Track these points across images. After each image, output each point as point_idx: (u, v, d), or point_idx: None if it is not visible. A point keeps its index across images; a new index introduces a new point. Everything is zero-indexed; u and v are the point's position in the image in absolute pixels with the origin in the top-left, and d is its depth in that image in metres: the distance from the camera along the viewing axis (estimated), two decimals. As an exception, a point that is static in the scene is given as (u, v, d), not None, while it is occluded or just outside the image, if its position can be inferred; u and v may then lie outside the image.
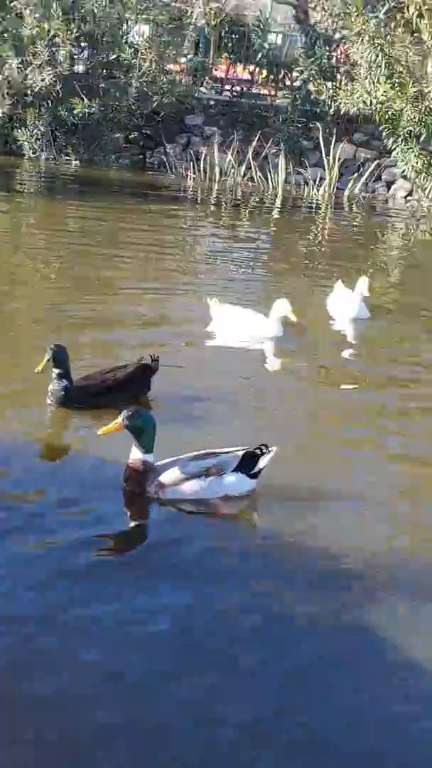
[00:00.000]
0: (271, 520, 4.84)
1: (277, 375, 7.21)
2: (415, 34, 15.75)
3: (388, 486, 5.33)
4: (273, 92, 19.95)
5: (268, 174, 16.97)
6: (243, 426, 5.81)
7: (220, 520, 4.77)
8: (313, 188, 16.99)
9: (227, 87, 20.41)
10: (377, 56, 15.23)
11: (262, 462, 4.86)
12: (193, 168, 17.18)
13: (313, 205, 16.34)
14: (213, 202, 15.64)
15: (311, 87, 17.71)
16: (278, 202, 16.10)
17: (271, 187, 16.90)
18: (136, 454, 4.75)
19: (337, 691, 3.54)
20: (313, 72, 18.06)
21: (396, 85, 15.11)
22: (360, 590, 4.21)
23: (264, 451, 4.88)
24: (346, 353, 7.95)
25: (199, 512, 4.75)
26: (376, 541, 4.64)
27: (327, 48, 18.58)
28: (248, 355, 7.43)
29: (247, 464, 4.84)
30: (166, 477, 4.75)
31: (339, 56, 18.82)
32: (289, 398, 6.60)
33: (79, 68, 17.51)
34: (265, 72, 19.96)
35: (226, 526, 4.77)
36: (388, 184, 17.99)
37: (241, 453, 4.83)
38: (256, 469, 4.86)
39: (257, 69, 20.22)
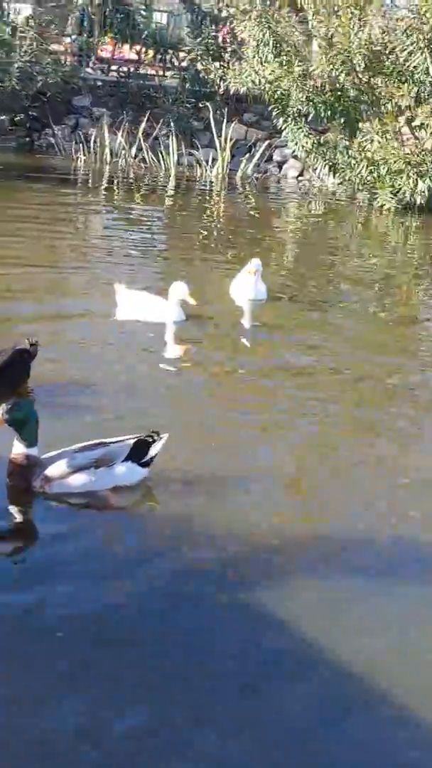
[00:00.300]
0: (164, 509, 4.65)
1: (172, 360, 7.00)
2: (300, 14, 15.78)
3: (285, 469, 5.23)
4: (161, 72, 19.64)
5: (160, 155, 16.71)
6: (134, 413, 5.58)
7: (110, 513, 4.56)
8: (206, 169, 16.84)
9: (114, 67, 19.99)
10: (264, 34, 15.16)
11: (154, 450, 4.67)
12: (83, 150, 16.75)
13: (207, 186, 16.20)
14: (105, 184, 15.28)
15: (199, 66, 17.52)
16: (171, 184, 15.88)
17: (163, 168, 16.66)
18: (18, 448, 4.46)
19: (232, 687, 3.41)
20: (200, 51, 17.88)
21: (284, 63, 15.09)
22: (258, 575, 4.09)
23: (155, 438, 4.69)
24: (242, 336, 7.83)
25: (89, 505, 4.51)
26: (274, 525, 4.52)
27: (214, 27, 18.43)
28: (144, 340, 7.20)
29: (138, 453, 4.63)
30: (52, 470, 4.48)
31: (225, 35, 18.67)
32: (184, 383, 6.43)
33: None
34: (151, 52, 19.63)
35: (117, 518, 4.56)
36: (280, 164, 18.04)
37: (131, 441, 4.63)
38: (147, 458, 4.66)
39: (143, 49, 19.87)
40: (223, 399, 6.26)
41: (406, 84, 14.18)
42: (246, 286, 8.56)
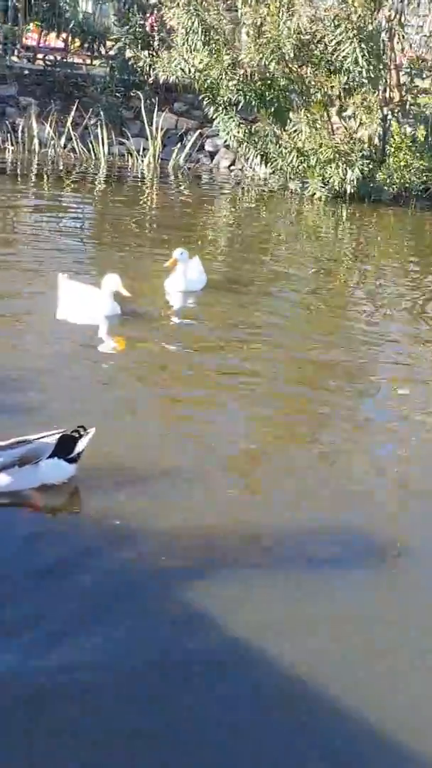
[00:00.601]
0: (95, 505, 4.53)
1: (104, 354, 6.88)
2: (229, 1, 15.69)
3: (218, 458, 5.19)
4: (89, 61, 19.33)
5: (90, 145, 16.45)
6: (62, 409, 5.45)
7: (38, 513, 4.42)
8: (137, 159, 16.65)
9: (40, 56, 19.58)
10: (193, 22, 15.01)
11: (81, 445, 4.53)
12: (10, 140, 16.36)
13: (138, 176, 16.03)
14: (34, 174, 14.97)
15: (128, 55, 17.28)
16: (102, 174, 15.65)
17: (93, 158, 16.40)
18: None
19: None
20: (128, 40, 17.63)
21: (213, 52, 14.98)
22: (194, 568, 4.03)
23: (81, 433, 4.55)
24: (176, 328, 7.73)
25: (14, 505, 4.37)
26: (210, 515, 4.48)
27: (141, 14, 18.19)
28: (77, 334, 7.06)
29: (65, 448, 4.48)
30: None
31: (153, 23, 18.46)
32: (116, 377, 6.33)
33: None
34: (78, 41, 19.28)
35: (43, 518, 4.42)
36: (212, 154, 17.95)
37: (56, 437, 4.47)
38: (74, 453, 4.52)
39: (70, 37, 19.51)
40: (155, 392, 6.18)
41: (337, 74, 14.23)
42: (175, 278, 8.46)
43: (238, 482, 5.01)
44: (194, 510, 4.55)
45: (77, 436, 4.54)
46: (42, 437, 4.48)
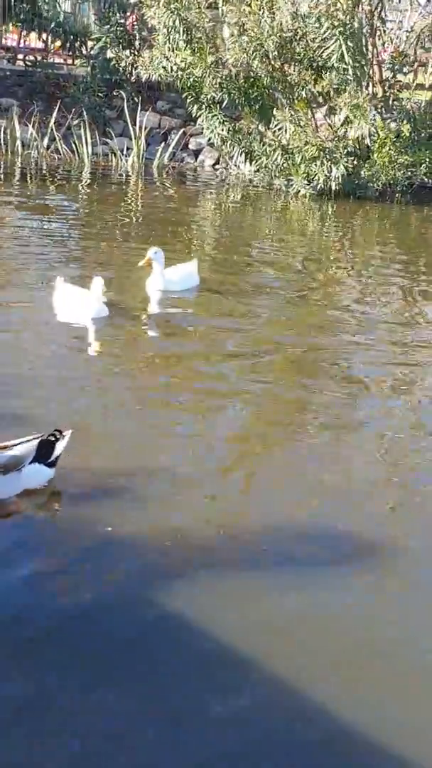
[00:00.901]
0: (76, 510, 4.49)
1: (91, 357, 6.84)
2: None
3: (210, 459, 5.18)
4: (70, 61, 19.26)
5: (74, 145, 16.40)
6: (46, 412, 5.41)
7: (21, 518, 4.39)
8: (121, 159, 16.61)
9: (20, 57, 19.48)
10: (174, 21, 14.99)
11: (59, 448, 4.54)
12: (-7, 141, 16.29)
13: (123, 176, 15.98)
14: (17, 176, 14.89)
15: (109, 54, 17.24)
16: (86, 174, 15.60)
17: (77, 158, 16.34)
18: None
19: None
20: (109, 39, 17.59)
21: (195, 51, 14.96)
22: (180, 574, 4.03)
23: (58, 436, 4.57)
24: (163, 326, 7.71)
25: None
26: (192, 523, 4.46)
27: (122, 14, 18.15)
28: (60, 335, 7.05)
29: (44, 453, 4.49)
30: None
31: (133, 22, 18.42)
32: (99, 378, 6.30)
33: None
34: (59, 41, 19.21)
35: (31, 523, 4.39)
36: (196, 153, 17.95)
37: (35, 442, 4.46)
38: (53, 457, 4.53)
39: (50, 37, 19.42)
40: (142, 393, 6.13)
41: (323, 71, 14.25)
42: (153, 277, 8.42)
43: (230, 482, 5.00)
44: (184, 511, 4.53)
45: (54, 440, 4.54)
46: (20, 443, 4.45)
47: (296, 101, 14.68)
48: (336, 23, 13.43)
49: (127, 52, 17.48)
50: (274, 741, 3.15)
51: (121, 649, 3.51)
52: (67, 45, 19.03)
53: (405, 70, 16.21)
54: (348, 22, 13.47)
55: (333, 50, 13.67)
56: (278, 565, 4.17)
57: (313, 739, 3.18)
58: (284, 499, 4.80)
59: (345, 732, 3.21)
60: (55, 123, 16.61)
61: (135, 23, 18.17)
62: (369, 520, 4.64)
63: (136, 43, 17.22)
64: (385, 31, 16.43)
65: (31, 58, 19.38)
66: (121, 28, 17.81)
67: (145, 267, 8.33)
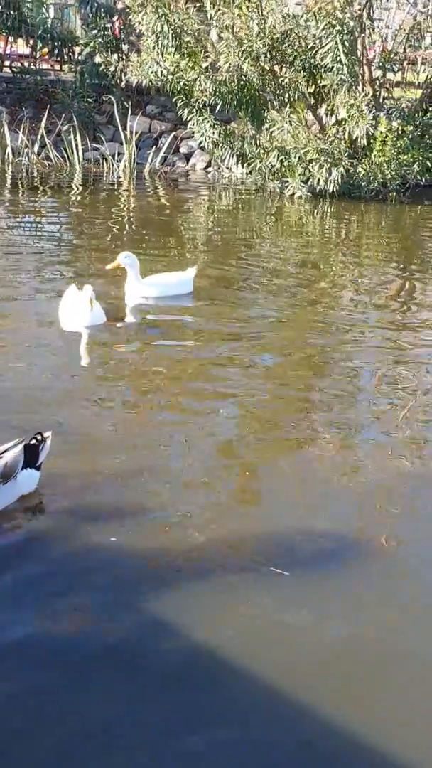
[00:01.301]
0: (69, 517, 4.43)
1: (83, 366, 6.73)
2: (197, 3, 15.59)
3: (210, 462, 5.10)
4: (58, 67, 19.17)
5: (64, 152, 16.30)
6: (25, 419, 5.31)
7: (22, 527, 4.33)
8: (112, 164, 16.52)
9: (6, 63, 19.38)
10: (162, 26, 14.90)
11: (44, 451, 4.54)
12: (-17, 150, 16.18)
13: (115, 181, 15.90)
14: (9, 184, 14.78)
15: (98, 60, 17.16)
16: (78, 180, 15.51)
17: (68, 164, 16.25)
18: None
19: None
20: (97, 44, 17.51)
21: (186, 55, 14.89)
22: (184, 573, 3.97)
23: (41, 439, 4.55)
24: (155, 335, 7.61)
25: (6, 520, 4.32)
26: (202, 521, 4.40)
27: (109, 18, 18.08)
28: (57, 345, 6.99)
29: (32, 457, 4.47)
30: None
31: (118, 27, 18.35)
32: (93, 382, 6.24)
33: None
34: (46, 47, 19.11)
35: (31, 532, 4.33)
36: (187, 156, 17.88)
37: (20, 447, 4.41)
38: (40, 461, 4.51)
39: (37, 44, 19.32)
40: (141, 399, 6.05)
41: (316, 72, 14.19)
42: (128, 283, 8.23)
43: (232, 486, 4.92)
44: (185, 516, 4.46)
45: (37, 443, 4.52)
46: (5, 450, 4.40)
47: (293, 102, 14.60)
48: (333, 21, 13.32)
49: (116, 56, 17.40)
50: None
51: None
52: (55, 51, 18.92)
53: (395, 68, 16.19)
54: (345, 20, 13.38)
55: (329, 49, 13.57)
56: (287, 579, 4.06)
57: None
58: (290, 504, 4.72)
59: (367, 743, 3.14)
60: (44, 129, 16.51)
61: (121, 27, 18.12)
62: (378, 524, 4.57)
63: (125, 47, 17.12)
64: (374, 30, 16.40)
65: (17, 64, 19.29)
66: (109, 33, 17.75)
67: (115, 269, 8.16)
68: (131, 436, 5.35)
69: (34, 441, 4.50)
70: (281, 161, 14.66)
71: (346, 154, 14.29)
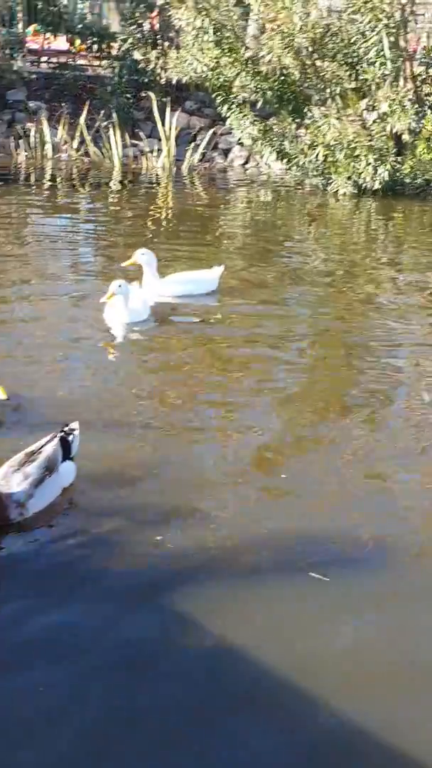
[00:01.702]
0: (96, 505, 4.47)
1: (107, 359, 6.68)
2: (238, -3, 15.46)
3: (240, 461, 5.02)
4: (97, 62, 19.12)
5: (103, 148, 16.25)
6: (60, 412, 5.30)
7: (76, 517, 4.36)
8: (151, 160, 16.44)
9: (44, 59, 19.36)
10: (203, 22, 14.78)
11: (75, 442, 4.58)
12: (24, 145, 16.17)
13: (153, 178, 15.81)
14: (48, 180, 14.75)
15: (138, 56, 17.06)
16: (117, 176, 15.44)
17: (107, 161, 16.20)
18: None
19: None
20: (136, 40, 17.42)
21: (226, 50, 14.75)
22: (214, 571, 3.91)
23: (69, 431, 4.59)
24: (187, 332, 7.50)
25: (52, 515, 4.31)
26: (230, 519, 4.35)
27: (149, 14, 17.99)
28: (88, 340, 6.96)
29: (66, 450, 4.51)
30: (19, 495, 4.17)
31: (154, 22, 18.25)
32: (127, 379, 6.19)
33: None
34: (87, 42, 19.07)
35: (86, 519, 4.34)
36: (225, 152, 17.74)
37: (56, 440, 4.45)
38: (74, 452, 4.56)
39: (75, 39, 19.29)
40: (166, 394, 5.99)
41: (360, 66, 13.99)
42: (145, 285, 8.01)
43: (260, 484, 4.85)
44: (215, 513, 4.42)
45: (69, 434, 4.58)
46: (44, 444, 4.45)
47: (339, 97, 14.36)
48: (380, 15, 13.09)
49: (154, 52, 17.30)
50: None
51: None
52: (94, 47, 18.88)
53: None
54: (391, 14, 13.16)
55: (373, 42, 13.34)
56: (326, 583, 3.95)
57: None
58: (324, 503, 4.63)
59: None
60: (83, 125, 16.45)
61: (157, 23, 18.03)
62: (411, 527, 4.44)
63: (164, 43, 17.00)
64: (416, 23, 16.15)
65: (54, 60, 19.26)
66: (147, 29, 17.67)
67: (128, 266, 8.01)
68: (165, 430, 5.31)
69: (62, 434, 4.55)
70: (326, 157, 14.44)
71: (395, 151, 14.07)
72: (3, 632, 3.48)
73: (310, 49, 14.09)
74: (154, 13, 18.12)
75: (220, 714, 3.16)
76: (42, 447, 4.40)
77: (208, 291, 8.42)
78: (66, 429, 4.58)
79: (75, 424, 4.66)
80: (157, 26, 18.10)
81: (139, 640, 3.49)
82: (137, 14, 17.79)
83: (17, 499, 4.14)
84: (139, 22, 17.71)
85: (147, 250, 7.96)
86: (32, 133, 16.29)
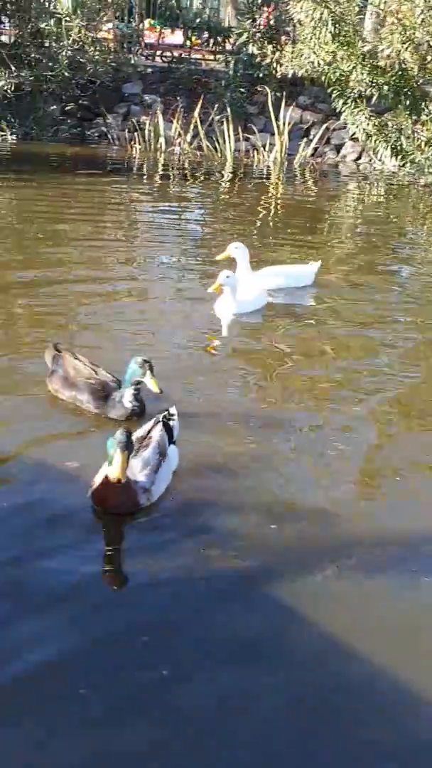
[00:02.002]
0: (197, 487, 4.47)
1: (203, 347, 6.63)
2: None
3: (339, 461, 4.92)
4: (212, 57, 19.20)
5: (215, 141, 16.30)
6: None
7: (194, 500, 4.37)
8: (263, 154, 16.40)
9: (158, 53, 19.58)
10: (322, 14, 14.58)
11: (177, 426, 4.63)
12: (137, 139, 16.39)
13: (265, 172, 15.76)
14: (160, 173, 14.90)
15: (254, 49, 17.03)
16: (228, 170, 15.49)
17: (219, 154, 16.24)
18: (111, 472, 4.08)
19: None
20: (251, 34, 17.39)
21: (343, 44, 14.52)
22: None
23: (170, 415, 4.63)
24: (293, 328, 7.37)
25: (173, 500, 4.35)
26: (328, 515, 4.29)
27: (266, 8, 17.94)
28: (195, 329, 6.97)
29: (170, 434, 4.56)
30: (143, 481, 4.20)
31: (268, 16, 18.15)
32: (231, 372, 6.15)
33: (6, 39, 16.45)
34: (204, 36, 19.18)
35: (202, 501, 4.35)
36: (338, 148, 17.54)
37: (160, 426, 4.49)
38: (175, 436, 4.60)
39: (191, 33, 19.42)
40: (271, 387, 5.92)
41: None
42: (239, 270, 7.79)
43: (371, 483, 4.76)
44: (313, 511, 4.35)
45: (169, 418, 4.61)
46: (149, 429, 4.50)
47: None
48: None
49: (270, 47, 17.23)
50: None
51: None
52: (210, 41, 18.97)
53: None
54: None
55: None
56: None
57: None
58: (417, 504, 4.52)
59: None
60: (197, 119, 16.55)
61: (272, 17, 17.93)
62: None
63: (282, 38, 16.92)
64: None
65: (168, 54, 19.45)
66: (265, 23, 17.61)
67: (223, 259, 7.87)
68: (264, 420, 5.28)
69: (164, 419, 4.59)
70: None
71: None
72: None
73: (431, 43, 13.70)
74: (270, 8, 18.05)
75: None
76: (149, 432, 4.45)
77: (304, 285, 8.34)
78: (166, 413, 4.63)
79: (173, 409, 4.71)
80: (272, 21, 18.01)
81: (253, 629, 3.48)
82: (253, 9, 17.75)
83: (143, 485, 4.20)
84: (255, 17, 17.67)
85: (240, 244, 7.91)
86: (147, 126, 16.49)
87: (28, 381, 5.56)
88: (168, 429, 4.53)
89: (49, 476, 4.43)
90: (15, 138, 15.97)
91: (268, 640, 3.45)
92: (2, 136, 15.91)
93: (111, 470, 4.01)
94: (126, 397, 5.02)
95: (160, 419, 4.55)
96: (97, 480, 4.17)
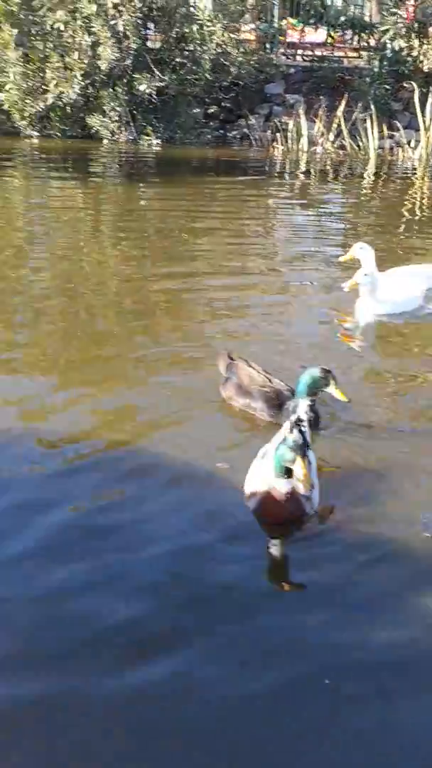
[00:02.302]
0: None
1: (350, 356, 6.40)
2: None
3: None
4: (356, 54, 18.86)
5: (358, 139, 15.99)
6: None
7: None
8: (407, 152, 15.94)
9: (299, 51, 19.40)
10: None
11: (308, 431, 4.36)
12: (280, 139, 16.32)
13: (409, 170, 15.30)
14: (301, 172, 14.75)
15: (401, 45, 16.57)
16: (371, 169, 15.13)
17: (362, 153, 15.91)
18: (281, 483, 3.97)
19: None
20: (397, 29, 16.94)
21: None
22: None
23: (299, 420, 4.30)
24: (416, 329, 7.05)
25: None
26: None
27: (407, 2, 17.43)
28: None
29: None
30: (301, 489, 4.03)
31: (408, 12, 17.59)
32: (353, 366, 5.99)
33: (152, 44, 16.75)
34: (345, 34, 18.89)
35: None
36: None
37: (297, 430, 4.13)
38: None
39: (333, 31, 19.13)
40: (404, 396, 5.64)
41: None
42: (364, 265, 7.25)
43: None
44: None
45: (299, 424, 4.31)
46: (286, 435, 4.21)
47: None
48: None
49: (417, 41, 16.73)
50: None
51: None
52: (355, 38, 18.66)
53: None
54: None
55: None
56: None
57: None
58: None
59: None
60: (341, 116, 16.29)
61: (416, 11, 17.39)
62: None
63: (429, 30, 16.40)
64: None
65: (310, 53, 19.24)
66: (410, 17, 17.12)
67: (346, 261, 7.52)
68: (399, 430, 5.07)
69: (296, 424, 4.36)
70: None
71: None
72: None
73: None
74: (414, 2, 17.52)
75: None
76: (286, 438, 4.24)
77: None
78: (297, 418, 4.37)
79: (303, 414, 4.60)
80: (415, 15, 17.47)
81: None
82: (399, 3, 17.29)
83: (305, 494, 4.06)
84: (399, 12, 17.20)
85: (365, 245, 7.48)
86: (289, 127, 16.38)
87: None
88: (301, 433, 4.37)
89: (224, 484, 4.38)
90: (159, 143, 16.23)
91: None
92: (148, 141, 16.21)
93: (299, 482, 3.91)
94: (301, 408, 4.83)
95: (292, 424, 4.30)
96: (257, 488, 4.06)
